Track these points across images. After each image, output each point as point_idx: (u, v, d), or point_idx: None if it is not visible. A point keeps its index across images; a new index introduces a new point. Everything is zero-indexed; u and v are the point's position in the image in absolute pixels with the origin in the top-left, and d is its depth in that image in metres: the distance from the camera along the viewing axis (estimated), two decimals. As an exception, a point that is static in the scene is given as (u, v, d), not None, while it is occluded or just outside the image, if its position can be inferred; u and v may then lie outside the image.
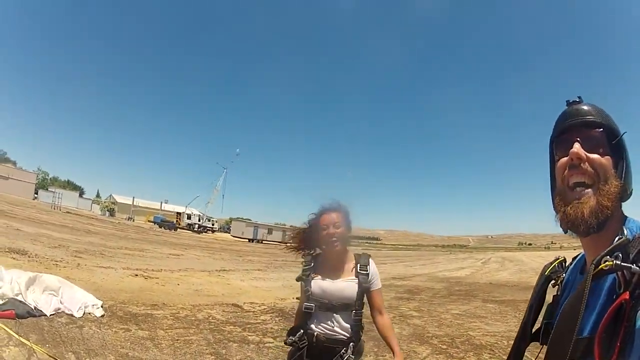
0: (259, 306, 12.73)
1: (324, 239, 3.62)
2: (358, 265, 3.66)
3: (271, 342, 8.69)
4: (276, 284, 19.07)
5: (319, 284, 3.60)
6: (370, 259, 3.78)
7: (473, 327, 12.36)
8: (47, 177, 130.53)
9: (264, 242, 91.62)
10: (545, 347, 1.69)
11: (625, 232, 1.43)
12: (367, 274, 3.63)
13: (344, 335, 3.49)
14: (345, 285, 3.57)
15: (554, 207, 1.64)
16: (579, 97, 1.65)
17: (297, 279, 3.76)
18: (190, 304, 11.55)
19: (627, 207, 1.54)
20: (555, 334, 1.41)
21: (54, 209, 64.26)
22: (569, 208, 1.53)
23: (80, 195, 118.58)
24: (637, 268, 1.21)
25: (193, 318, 9.99)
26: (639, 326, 1.16)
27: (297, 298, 15.02)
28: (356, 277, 3.60)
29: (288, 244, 4.13)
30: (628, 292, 1.21)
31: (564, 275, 1.85)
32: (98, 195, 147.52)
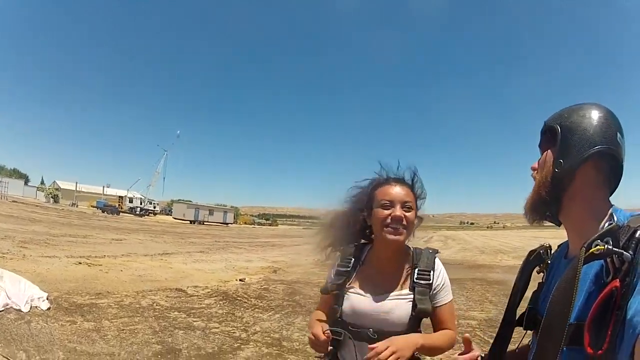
0: (203, 290, 12.62)
1: (381, 224, 2.30)
2: (416, 271, 2.35)
3: (217, 328, 8.62)
4: (219, 265, 18.91)
5: (355, 301, 2.32)
6: (436, 259, 2.48)
7: None
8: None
9: (205, 223, 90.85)
10: (528, 333, 1.79)
11: (614, 218, 1.45)
12: (429, 285, 2.33)
13: None
14: (392, 305, 2.27)
15: None
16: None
17: (323, 291, 2.50)
18: (134, 291, 11.38)
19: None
20: (546, 319, 1.35)
21: (0, 198, 62.32)
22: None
23: (26, 183, 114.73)
24: (629, 255, 1.20)
25: (137, 305, 9.86)
26: (630, 315, 1.13)
27: (240, 280, 15.21)
28: (411, 290, 2.31)
29: (318, 243, 2.61)
30: (618, 280, 1.20)
31: (548, 261, 1.84)
32: (42, 182, 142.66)
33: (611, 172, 1.59)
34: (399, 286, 2.33)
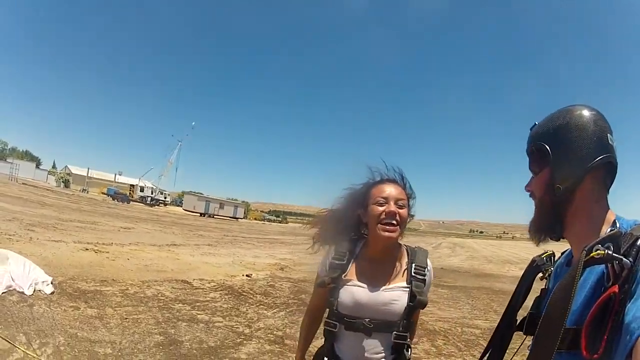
0: (209, 283, 12.60)
1: (376, 220, 2.40)
2: (413, 266, 2.48)
3: (220, 322, 8.58)
4: (226, 260, 18.83)
5: (352, 292, 2.39)
6: (428, 258, 2.58)
7: (425, 311, 11.88)
8: (6, 147, 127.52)
9: (215, 216, 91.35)
10: (528, 338, 1.72)
11: (617, 225, 1.46)
12: (424, 280, 2.45)
13: None
14: (392, 296, 2.38)
15: None
16: (532, 126, 1.75)
17: (320, 284, 2.53)
18: (140, 280, 11.38)
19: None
20: (544, 320, 1.35)
21: (11, 180, 62.73)
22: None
23: (37, 166, 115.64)
24: (628, 261, 1.22)
25: (142, 295, 9.85)
26: (628, 321, 1.14)
27: (247, 275, 15.19)
28: (409, 283, 2.42)
29: (313, 236, 2.71)
30: (617, 286, 1.22)
31: (552, 268, 1.87)
32: (54, 166, 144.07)
33: (608, 175, 1.58)
34: (396, 278, 2.45)
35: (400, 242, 2.58)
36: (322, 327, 2.61)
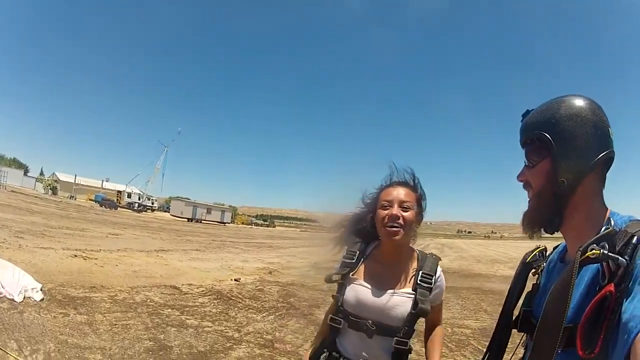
0: (197, 288, 12.61)
1: (381, 224, 2.43)
2: (420, 273, 2.45)
3: (209, 327, 8.60)
4: (214, 264, 18.84)
5: (357, 291, 2.42)
6: (438, 266, 2.54)
7: None
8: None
9: (202, 221, 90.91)
10: (522, 335, 1.79)
11: (612, 222, 1.41)
12: (430, 288, 2.42)
13: None
14: (395, 301, 2.37)
15: None
16: (524, 113, 1.70)
17: (327, 280, 2.55)
18: (129, 286, 11.37)
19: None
20: (542, 321, 1.34)
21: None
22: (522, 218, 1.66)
23: (25, 173, 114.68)
24: (624, 260, 1.21)
25: (131, 301, 9.85)
26: (625, 320, 1.12)
27: (235, 280, 15.20)
28: (414, 290, 2.40)
29: (333, 236, 2.76)
30: (613, 284, 1.21)
31: (544, 264, 1.85)
32: (42, 173, 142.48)
33: (606, 170, 1.57)
34: (403, 284, 2.43)
35: (412, 247, 2.61)
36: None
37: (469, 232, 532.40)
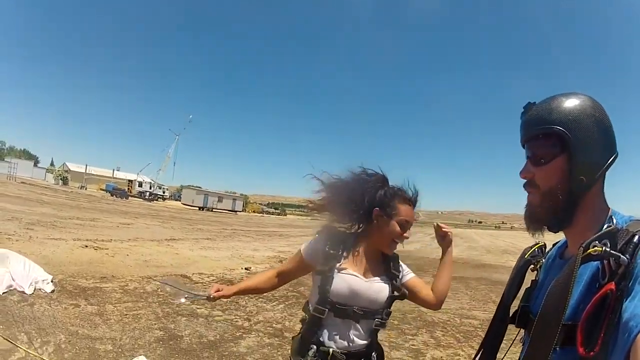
0: (208, 277, 12.71)
1: (393, 237, 2.64)
2: (391, 264, 2.74)
3: (220, 316, 8.64)
4: (225, 253, 18.91)
5: (349, 281, 2.55)
6: (399, 258, 2.85)
7: None
8: (3, 146, 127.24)
9: (214, 210, 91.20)
10: (520, 330, 1.78)
11: (614, 221, 1.43)
12: (399, 273, 2.75)
13: (362, 347, 2.58)
14: (380, 286, 2.63)
15: None
16: (525, 106, 1.63)
17: (318, 273, 2.64)
18: (139, 276, 11.46)
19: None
20: (541, 317, 1.34)
21: (9, 179, 62.56)
22: (525, 218, 1.63)
23: (35, 164, 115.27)
24: (625, 258, 1.20)
25: (142, 291, 9.93)
26: (626, 319, 1.11)
27: (246, 269, 15.23)
28: (389, 278, 2.69)
29: (319, 204, 2.81)
30: (614, 283, 1.20)
31: (543, 260, 1.84)
32: (52, 164, 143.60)
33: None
34: (380, 272, 2.71)
35: None
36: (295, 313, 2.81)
37: (480, 222, 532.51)
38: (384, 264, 2.74)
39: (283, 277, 2.93)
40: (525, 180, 1.62)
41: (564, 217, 1.53)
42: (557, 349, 1.32)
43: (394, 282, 2.69)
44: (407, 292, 2.74)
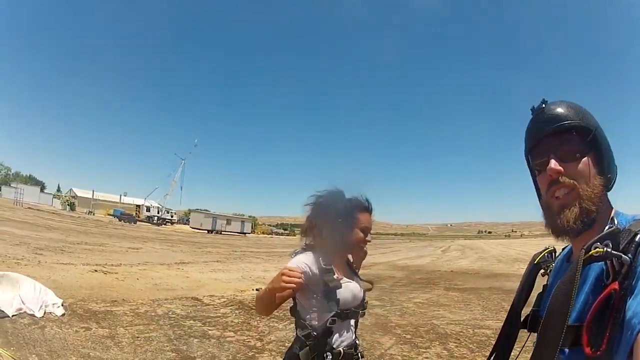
0: (219, 299, 12.68)
1: (356, 244, 3.03)
2: (354, 266, 3.18)
3: (232, 336, 8.61)
4: (235, 275, 18.95)
5: (351, 288, 2.88)
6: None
7: (437, 315, 12.25)
8: (9, 172, 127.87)
9: (222, 232, 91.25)
10: (532, 335, 1.73)
11: (615, 221, 1.44)
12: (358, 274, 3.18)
13: (353, 338, 2.92)
14: (359, 287, 3.01)
15: (543, 217, 1.62)
16: (544, 102, 1.59)
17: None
18: (150, 299, 11.45)
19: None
20: (546, 318, 1.34)
21: (16, 205, 62.88)
22: (557, 220, 1.51)
23: (42, 190, 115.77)
24: (628, 258, 1.21)
25: (153, 313, 9.91)
26: (629, 317, 1.13)
27: (257, 289, 15.14)
28: (358, 277, 3.13)
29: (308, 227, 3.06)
30: (617, 282, 1.21)
31: (553, 264, 1.83)
32: (59, 190, 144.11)
33: None
34: (355, 273, 3.13)
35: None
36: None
37: (489, 232, 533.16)
38: (349, 267, 3.14)
39: (278, 302, 2.95)
40: (552, 180, 1.52)
41: (595, 217, 1.47)
42: (566, 350, 1.34)
43: (362, 281, 3.12)
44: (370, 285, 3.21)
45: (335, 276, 2.81)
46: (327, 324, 2.73)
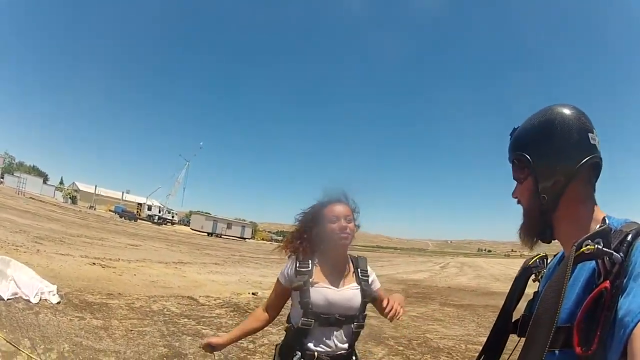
0: (214, 300, 12.67)
1: (332, 234, 2.94)
2: (359, 270, 3.08)
3: (225, 337, 8.55)
4: (233, 278, 18.96)
5: (323, 293, 2.88)
6: (368, 265, 3.19)
7: (430, 329, 12.24)
8: (13, 161, 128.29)
9: (222, 236, 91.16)
10: (522, 340, 1.66)
11: (606, 222, 1.44)
12: (368, 280, 3.08)
13: (344, 350, 2.90)
14: (351, 294, 2.95)
15: None
16: (512, 131, 1.74)
17: (295, 289, 2.93)
18: (146, 295, 11.47)
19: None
20: (535, 317, 1.33)
21: (18, 194, 63.04)
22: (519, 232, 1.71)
23: (45, 181, 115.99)
24: (619, 256, 1.23)
25: (148, 309, 9.93)
26: (621, 316, 1.14)
27: (253, 294, 15.20)
28: (358, 283, 3.02)
29: (282, 244, 3.25)
30: (609, 281, 1.22)
31: (544, 271, 1.87)
32: (62, 182, 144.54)
33: (593, 175, 1.59)
34: (349, 280, 3.03)
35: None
36: (280, 323, 3.27)
37: (489, 251, 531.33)
38: (353, 271, 3.09)
39: (273, 309, 3.17)
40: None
41: (544, 230, 1.64)
42: (556, 352, 1.34)
43: (364, 287, 3.01)
44: (375, 294, 3.08)
45: (310, 279, 2.91)
46: (300, 324, 2.83)
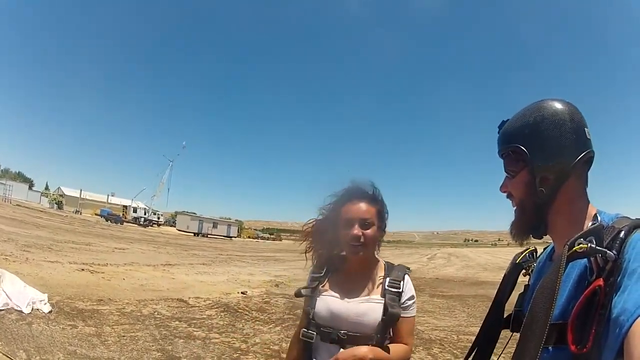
0: (204, 301, 12.68)
1: (344, 241, 2.44)
2: (387, 280, 2.44)
3: (217, 338, 8.65)
4: (221, 278, 18.94)
5: (327, 303, 2.40)
6: (407, 275, 2.51)
7: (421, 321, 12.22)
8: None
9: (209, 236, 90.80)
10: (515, 335, 1.70)
11: (598, 219, 1.45)
12: (399, 293, 2.39)
13: None
14: (366, 308, 2.34)
15: None
16: (501, 123, 1.70)
17: (296, 294, 2.56)
18: (136, 299, 11.46)
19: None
20: (529, 315, 1.29)
21: (4, 201, 62.56)
22: (510, 228, 1.66)
23: (30, 187, 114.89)
24: (612, 254, 1.21)
25: (139, 313, 9.94)
26: (616, 314, 1.12)
27: (242, 293, 15.24)
28: (382, 297, 2.37)
29: (302, 240, 2.69)
30: (602, 279, 1.21)
31: (534, 264, 1.85)
32: (47, 188, 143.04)
33: (587, 170, 1.57)
34: (371, 291, 2.42)
35: (378, 257, 2.60)
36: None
37: (476, 241, 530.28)
38: (378, 282, 2.47)
39: None
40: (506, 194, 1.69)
41: (538, 225, 1.60)
42: (550, 348, 1.35)
43: (388, 301, 2.34)
44: (398, 313, 2.33)
45: (321, 285, 2.49)
46: (305, 338, 2.42)
